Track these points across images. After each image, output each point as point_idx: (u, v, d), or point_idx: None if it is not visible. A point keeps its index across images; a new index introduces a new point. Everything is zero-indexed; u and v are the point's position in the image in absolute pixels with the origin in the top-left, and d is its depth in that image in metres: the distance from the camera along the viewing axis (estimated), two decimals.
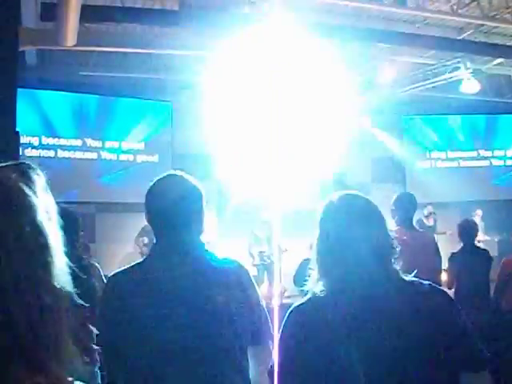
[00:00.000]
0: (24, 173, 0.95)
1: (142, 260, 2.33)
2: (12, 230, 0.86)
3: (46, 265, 0.90)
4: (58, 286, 0.91)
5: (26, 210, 0.90)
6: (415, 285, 1.98)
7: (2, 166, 0.95)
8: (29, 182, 0.94)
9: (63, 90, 11.47)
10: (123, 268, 2.30)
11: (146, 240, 10.11)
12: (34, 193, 0.93)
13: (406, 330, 1.83)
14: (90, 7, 7.85)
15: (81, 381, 0.90)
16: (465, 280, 6.09)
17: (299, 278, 7.65)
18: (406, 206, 5.14)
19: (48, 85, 11.41)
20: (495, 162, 14.78)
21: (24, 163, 0.98)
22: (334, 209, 2.04)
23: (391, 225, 4.93)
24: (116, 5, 8.61)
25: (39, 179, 0.96)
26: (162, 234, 2.30)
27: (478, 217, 12.44)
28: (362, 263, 1.91)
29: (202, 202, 2.35)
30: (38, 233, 0.90)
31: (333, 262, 1.97)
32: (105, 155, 11.87)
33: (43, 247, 0.90)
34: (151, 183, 2.31)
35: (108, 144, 11.91)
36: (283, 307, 2.26)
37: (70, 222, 3.74)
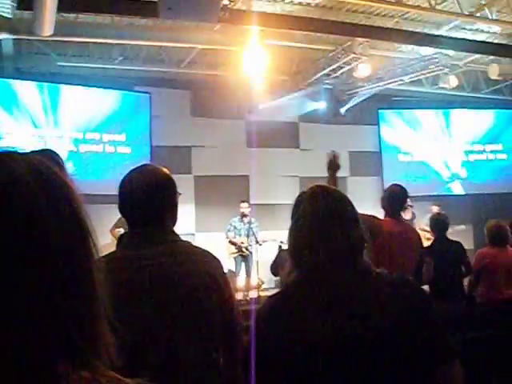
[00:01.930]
0: (53, 158, 0.94)
1: (114, 250, 2.34)
2: (52, 212, 0.84)
3: (85, 248, 0.89)
4: (95, 271, 0.90)
5: (67, 195, 0.89)
6: (385, 276, 2.00)
7: (28, 153, 0.94)
8: (60, 167, 0.93)
9: (40, 81, 11.37)
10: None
11: (122, 231, 10.06)
12: (66, 177, 0.91)
13: (374, 320, 1.86)
14: None
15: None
16: (439, 272, 6.16)
17: (275, 266, 7.72)
18: (397, 198, 5.20)
19: (25, 75, 11.32)
20: (472, 157, 14.90)
21: (49, 150, 0.97)
22: (305, 200, 2.06)
23: (379, 214, 5.01)
24: None
25: (64, 165, 0.96)
26: (134, 224, 2.31)
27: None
28: (332, 253, 1.93)
29: (174, 192, 2.36)
30: (79, 217, 0.89)
31: (303, 253, 1.99)
32: (85, 147, 11.78)
33: (82, 230, 0.89)
34: (125, 175, 2.32)
35: (88, 135, 11.83)
36: (260, 300, 2.28)
37: None
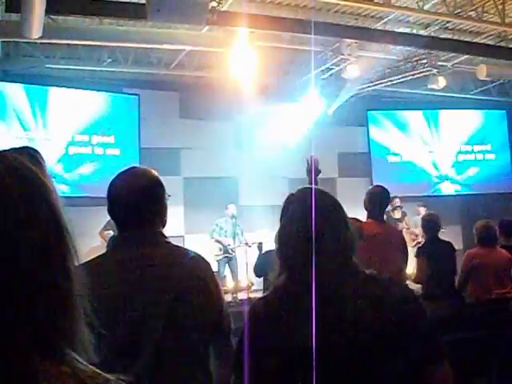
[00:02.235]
0: (32, 156, 0.94)
1: (103, 252, 2.34)
2: (28, 211, 0.84)
3: (62, 247, 0.89)
4: (72, 269, 0.90)
5: (42, 191, 0.88)
6: (374, 278, 2.01)
7: (6, 150, 0.93)
8: (38, 165, 0.93)
9: (29, 83, 11.33)
10: (84, 261, 2.30)
11: (111, 233, 10.03)
12: (44, 176, 0.91)
13: (363, 321, 1.86)
14: None
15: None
16: (431, 272, 6.17)
17: (259, 269, 7.70)
18: (380, 199, 5.20)
19: (13, 77, 11.27)
20: (461, 157, 14.96)
21: (29, 147, 0.96)
22: (294, 202, 2.07)
23: (361, 216, 5.01)
24: None
25: (44, 163, 0.95)
26: (122, 226, 2.31)
27: (420, 215, 12.52)
28: (321, 255, 1.93)
29: (162, 194, 2.36)
30: (55, 214, 0.89)
31: (293, 255, 1.99)
32: (74, 149, 11.75)
33: (59, 228, 0.89)
34: (113, 177, 2.32)
35: (77, 137, 11.80)
36: (250, 301, 2.28)
37: None
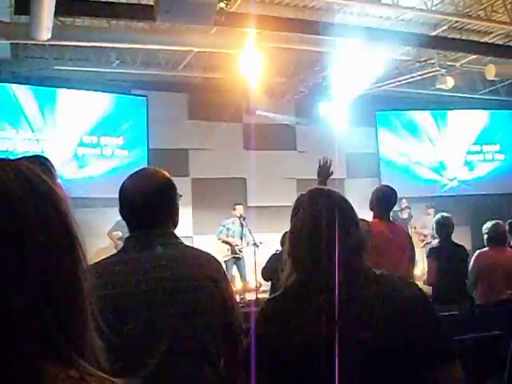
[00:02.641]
0: (43, 164, 0.95)
1: (115, 253, 2.35)
2: (40, 220, 0.85)
3: (72, 254, 0.89)
4: (82, 276, 0.90)
5: (53, 200, 0.89)
6: (385, 278, 2.00)
7: (19, 158, 0.94)
8: (49, 173, 0.94)
9: (37, 85, 11.37)
10: (95, 261, 2.31)
11: (120, 234, 10.05)
12: (55, 184, 0.92)
13: (374, 322, 1.86)
14: (65, 1, 7.78)
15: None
16: (443, 275, 6.14)
17: (267, 272, 7.68)
18: (387, 199, 5.16)
19: (22, 79, 11.31)
20: (470, 157, 14.91)
21: (40, 156, 0.98)
22: (304, 203, 2.07)
23: (368, 216, 4.99)
24: None
25: (54, 172, 0.96)
26: (134, 227, 2.31)
27: (429, 216, 12.54)
28: (331, 255, 1.93)
29: (174, 195, 2.36)
30: (66, 222, 0.90)
31: (304, 255, 1.99)
32: (83, 150, 11.78)
33: (70, 236, 0.90)
34: (125, 178, 2.33)
35: (86, 139, 11.83)
36: (258, 302, 2.28)
37: None
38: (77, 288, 0.89)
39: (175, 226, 2.37)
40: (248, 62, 9.83)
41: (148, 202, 2.25)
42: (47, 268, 0.84)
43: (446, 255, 6.28)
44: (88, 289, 0.91)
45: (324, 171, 4.42)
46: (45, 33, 8.14)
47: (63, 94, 11.61)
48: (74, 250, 0.90)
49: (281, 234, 6.69)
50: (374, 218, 5.09)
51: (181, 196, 2.41)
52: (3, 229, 0.81)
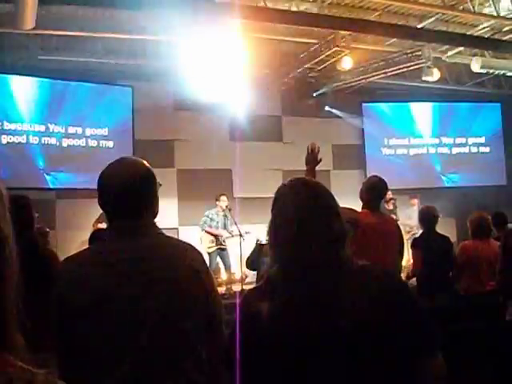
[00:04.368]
0: None
1: (94, 244, 2.33)
2: None
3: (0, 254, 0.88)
4: (6, 271, 0.88)
5: None
6: (368, 269, 2.00)
7: None
8: None
9: (22, 74, 11.28)
10: (76, 252, 2.29)
11: (104, 225, 10.00)
12: None
13: (358, 312, 1.86)
14: None
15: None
16: (427, 265, 6.17)
17: (251, 262, 7.70)
18: (378, 190, 5.17)
19: (6, 68, 11.21)
20: (455, 150, 14.99)
21: None
22: (285, 193, 2.06)
23: (357, 208, 5.00)
24: None
25: None
26: (114, 217, 2.29)
27: (414, 207, 12.62)
28: (313, 247, 1.92)
29: (154, 185, 2.33)
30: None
31: (284, 246, 1.98)
32: (68, 141, 11.71)
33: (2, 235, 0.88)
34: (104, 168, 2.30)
35: (71, 129, 11.76)
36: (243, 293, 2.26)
37: (20, 207, 3.67)
38: (1, 287, 0.88)
39: (155, 216, 2.34)
40: (234, 52, 9.80)
41: (127, 191, 2.21)
42: None
43: (430, 246, 6.31)
44: (14, 283, 0.90)
45: (312, 158, 4.40)
46: (29, 22, 8.07)
47: (47, 84, 11.54)
48: (2, 250, 0.88)
49: (266, 225, 6.68)
50: (363, 208, 5.09)
51: (160, 185, 2.38)
52: None
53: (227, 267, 10.94)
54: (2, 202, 0.90)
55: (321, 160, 4.45)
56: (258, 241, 9.31)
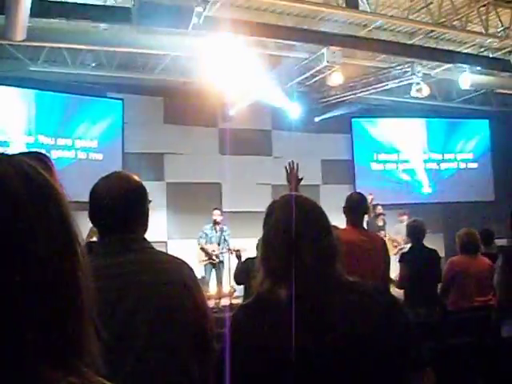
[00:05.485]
0: (41, 160, 0.91)
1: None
2: (41, 215, 0.82)
3: (73, 255, 0.87)
4: (83, 280, 0.88)
5: (52, 195, 0.86)
6: (358, 285, 2.00)
7: (15, 155, 0.91)
8: (48, 170, 0.90)
9: (12, 85, 11.25)
10: None
11: (94, 239, 9.96)
12: (54, 180, 0.89)
13: (348, 328, 1.86)
14: (40, 2, 7.72)
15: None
16: (414, 280, 6.18)
17: (239, 276, 7.65)
18: (358, 206, 5.16)
19: None
20: (444, 165, 15.07)
21: (38, 152, 0.94)
22: (277, 209, 2.06)
23: (343, 223, 5.00)
24: (67, 0, 8.47)
25: (53, 168, 0.93)
26: (104, 232, 2.28)
27: (403, 223, 12.60)
28: (304, 262, 1.93)
29: (145, 200, 2.33)
30: (66, 217, 0.87)
31: (276, 262, 1.98)
32: (57, 153, 11.66)
33: (70, 233, 0.87)
34: (96, 181, 2.30)
35: (60, 141, 11.72)
36: (232, 308, 2.26)
37: None
38: (76, 290, 0.86)
39: (145, 231, 2.34)
40: (224, 66, 9.83)
41: (118, 207, 2.21)
42: (46, 266, 0.81)
43: (418, 259, 6.33)
44: (87, 290, 0.89)
45: (292, 176, 4.40)
46: (20, 33, 8.07)
47: (37, 96, 11.51)
48: (74, 249, 0.87)
49: (255, 240, 6.67)
50: (347, 225, 5.09)
51: (150, 201, 2.38)
52: (3, 228, 0.78)
53: (219, 281, 10.93)
54: (68, 204, 0.90)
55: (302, 178, 4.44)
56: (237, 253, 9.28)
